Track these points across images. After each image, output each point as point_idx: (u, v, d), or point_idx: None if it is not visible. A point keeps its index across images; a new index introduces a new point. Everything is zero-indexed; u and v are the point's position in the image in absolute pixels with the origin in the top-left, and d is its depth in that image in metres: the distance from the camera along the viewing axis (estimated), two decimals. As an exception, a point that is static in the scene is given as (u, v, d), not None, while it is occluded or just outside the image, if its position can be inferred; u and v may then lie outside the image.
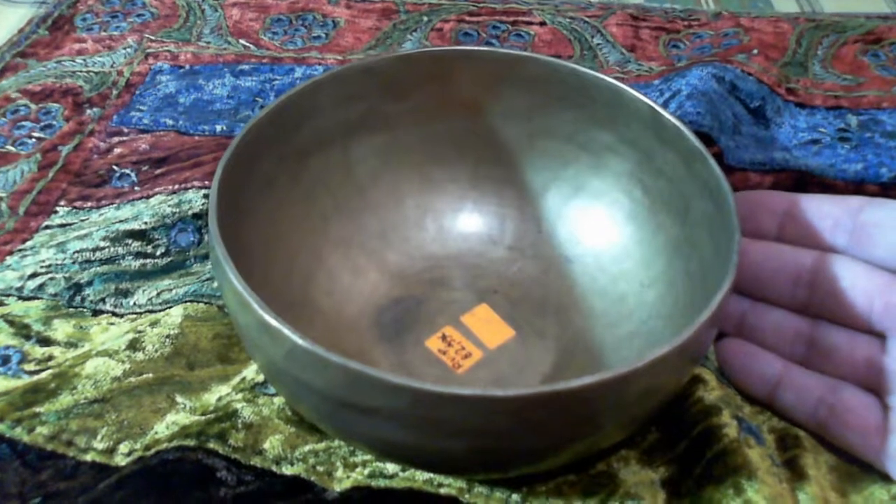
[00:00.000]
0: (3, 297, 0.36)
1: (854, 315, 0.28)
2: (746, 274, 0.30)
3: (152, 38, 0.52)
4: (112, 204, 0.40)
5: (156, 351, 0.33)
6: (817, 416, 0.29)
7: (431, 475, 0.29)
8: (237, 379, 0.32)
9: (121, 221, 0.38)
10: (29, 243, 0.38)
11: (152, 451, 0.29)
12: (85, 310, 0.35)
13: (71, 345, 0.34)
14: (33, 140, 0.44)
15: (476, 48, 0.35)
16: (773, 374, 0.30)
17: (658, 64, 0.51)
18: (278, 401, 0.31)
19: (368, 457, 0.29)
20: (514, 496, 0.29)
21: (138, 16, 0.54)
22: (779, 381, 0.30)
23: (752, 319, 0.31)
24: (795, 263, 0.30)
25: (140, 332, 0.33)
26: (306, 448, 0.30)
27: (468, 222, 0.37)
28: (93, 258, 0.37)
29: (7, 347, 0.33)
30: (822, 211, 0.30)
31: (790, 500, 0.27)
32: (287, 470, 0.29)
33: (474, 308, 0.34)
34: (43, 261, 0.37)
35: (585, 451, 0.26)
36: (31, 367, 0.33)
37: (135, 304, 0.36)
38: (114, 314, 0.35)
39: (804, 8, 0.59)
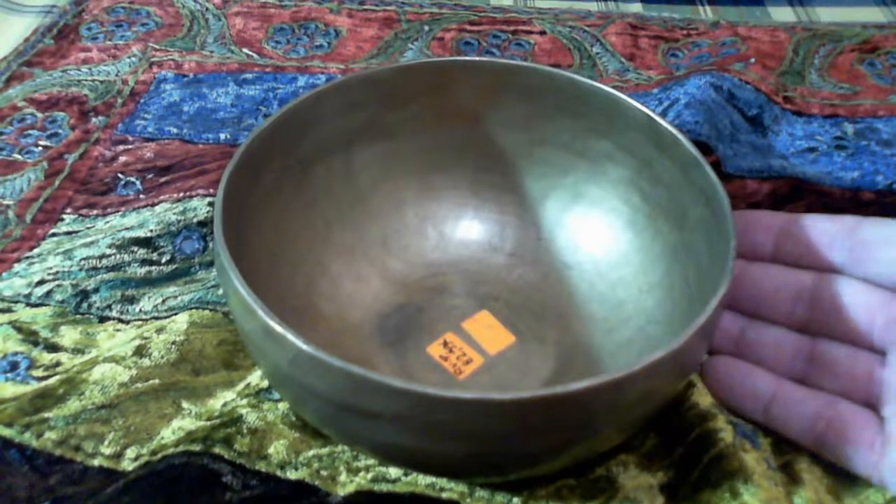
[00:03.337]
0: (11, 304, 0.36)
1: (855, 332, 0.29)
2: (746, 293, 0.30)
3: (156, 47, 0.53)
4: (118, 212, 0.41)
5: (162, 357, 0.33)
6: (814, 431, 0.29)
7: (434, 479, 0.29)
8: (242, 385, 0.32)
9: (126, 229, 0.39)
10: (36, 251, 0.39)
11: (159, 456, 0.29)
12: (91, 316, 0.36)
13: (78, 351, 0.34)
14: (39, 148, 0.45)
15: (475, 58, 0.35)
16: (767, 390, 0.30)
17: (657, 73, 0.51)
18: (283, 406, 0.31)
19: (372, 461, 0.30)
20: (515, 500, 0.29)
21: (143, 25, 0.55)
22: (773, 398, 0.30)
23: (751, 335, 0.31)
24: (796, 282, 0.30)
25: (146, 338, 0.34)
26: (310, 453, 0.30)
27: (468, 229, 0.37)
28: (99, 265, 0.37)
29: (15, 353, 0.34)
30: (818, 228, 0.30)
31: (786, 504, 0.28)
32: (291, 474, 0.29)
33: (475, 314, 0.35)
34: (50, 268, 0.37)
35: (584, 455, 0.27)
36: (39, 372, 0.33)
37: (141, 310, 0.36)
38: (120, 321, 0.36)
39: (801, 17, 0.60)
